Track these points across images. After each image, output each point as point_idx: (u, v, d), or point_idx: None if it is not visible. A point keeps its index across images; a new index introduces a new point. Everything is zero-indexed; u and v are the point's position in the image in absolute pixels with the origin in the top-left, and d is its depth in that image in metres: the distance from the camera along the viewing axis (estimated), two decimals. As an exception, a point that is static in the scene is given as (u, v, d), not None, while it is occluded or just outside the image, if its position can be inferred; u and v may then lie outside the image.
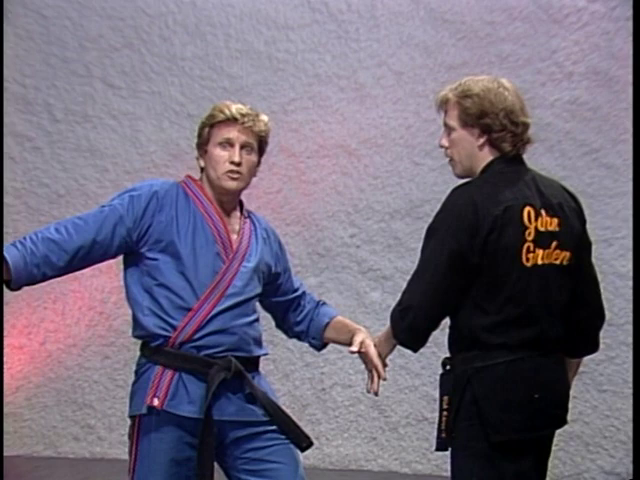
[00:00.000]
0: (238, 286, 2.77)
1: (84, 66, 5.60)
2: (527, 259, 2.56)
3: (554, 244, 2.61)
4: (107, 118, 5.59)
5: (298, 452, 2.84)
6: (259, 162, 2.85)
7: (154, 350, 2.73)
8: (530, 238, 2.57)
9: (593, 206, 4.98)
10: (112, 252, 2.75)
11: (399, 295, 5.96)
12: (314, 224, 5.38)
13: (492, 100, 2.60)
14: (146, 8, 5.57)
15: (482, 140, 2.63)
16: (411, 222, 5.28)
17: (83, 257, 2.72)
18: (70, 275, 6.00)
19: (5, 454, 5.01)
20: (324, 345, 3.03)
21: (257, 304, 2.90)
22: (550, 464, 2.74)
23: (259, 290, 2.86)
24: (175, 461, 2.70)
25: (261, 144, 2.83)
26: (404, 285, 5.82)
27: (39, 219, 5.59)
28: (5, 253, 2.60)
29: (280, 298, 2.99)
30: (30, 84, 5.61)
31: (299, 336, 3.04)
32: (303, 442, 2.83)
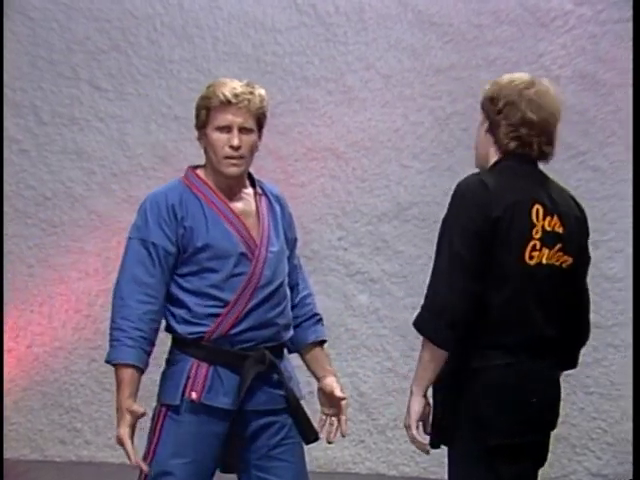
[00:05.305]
0: (268, 275, 2.76)
1: (71, 68, 5.58)
2: (531, 257, 2.53)
3: (558, 246, 2.58)
4: (94, 120, 5.57)
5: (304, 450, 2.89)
6: (260, 137, 2.84)
7: (188, 343, 2.75)
8: (537, 236, 2.54)
9: (580, 209, 5.00)
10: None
11: (387, 298, 5.95)
12: (302, 227, 5.34)
13: (502, 88, 2.59)
14: (133, 10, 5.55)
15: (485, 125, 2.63)
16: (399, 225, 5.28)
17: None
18: (57, 278, 6.00)
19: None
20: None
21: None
22: (537, 466, 2.75)
23: (287, 268, 2.86)
24: (203, 450, 2.72)
25: (259, 121, 2.82)
26: (392, 288, 5.82)
27: (25, 222, 5.57)
28: (128, 360, 2.67)
29: None
30: (17, 86, 5.58)
31: None
32: (312, 435, 2.87)
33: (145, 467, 2.68)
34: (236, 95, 2.73)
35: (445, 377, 2.55)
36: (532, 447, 2.61)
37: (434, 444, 2.61)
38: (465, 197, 2.52)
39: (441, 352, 2.50)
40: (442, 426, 2.56)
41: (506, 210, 2.49)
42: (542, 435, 2.64)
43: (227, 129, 2.74)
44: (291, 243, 2.94)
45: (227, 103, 2.73)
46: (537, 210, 2.55)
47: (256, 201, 2.84)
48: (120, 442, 2.66)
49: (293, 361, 2.99)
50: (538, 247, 2.54)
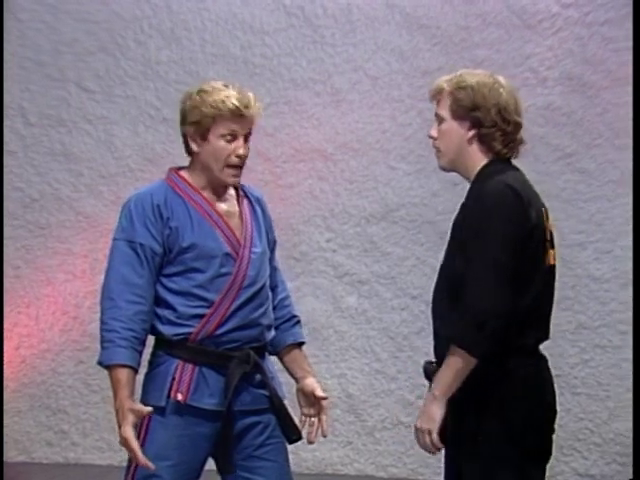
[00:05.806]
0: (252, 276, 2.78)
1: (58, 70, 5.56)
2: (547, 259, 2.56)
3: (552, 244, 2.62)
4: (82, 122, 5.56)
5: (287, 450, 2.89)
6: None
7: (173, 345, 2.75)
8: (548, 238, 2.57)
9: (567, 210, 5.01)
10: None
11: (375, 299, 5.92)
12: (290, 229, 5.38)
13: (485, 94, 2.56)
14: (121, 12, 5.54)
15: (471, 134, 2.57)
16: (387, 226, 5.29)
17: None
18: (44, 279, 5.97)
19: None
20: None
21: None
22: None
23: (269, 270, 2.87)
24: (188, 452, 2.72)
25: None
26: (380, 289, 5.81)
27: (12, 223, 5.55)
28: (123, 361, 2.64)
29: None
30: (4, 87, 5.57)
31: None
32: (294, 435, 2.86)
33: (152, 466, 2.65)
34: (247, 106, 2.76)
35: (470, 383, 2.49)
36: (550, 446, 2.64)
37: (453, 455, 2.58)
38: (502, 206, 2.46)
39: (474, 360, 2.45)
40: (471, 433, 2.50)
41: (536, 215, 2.51)
42: (553, 434, 2.67)
43: (232, 138, 2.76)
44: (271, 245, 2.96)
45: (238, 114, 2.74)
46: (545, 212, 2.59)
47: (239, 202, 2.86)
48: (125, 443, 2.63)
49: (277, 363, 3.00)
50: (548, 248, 2.58)
